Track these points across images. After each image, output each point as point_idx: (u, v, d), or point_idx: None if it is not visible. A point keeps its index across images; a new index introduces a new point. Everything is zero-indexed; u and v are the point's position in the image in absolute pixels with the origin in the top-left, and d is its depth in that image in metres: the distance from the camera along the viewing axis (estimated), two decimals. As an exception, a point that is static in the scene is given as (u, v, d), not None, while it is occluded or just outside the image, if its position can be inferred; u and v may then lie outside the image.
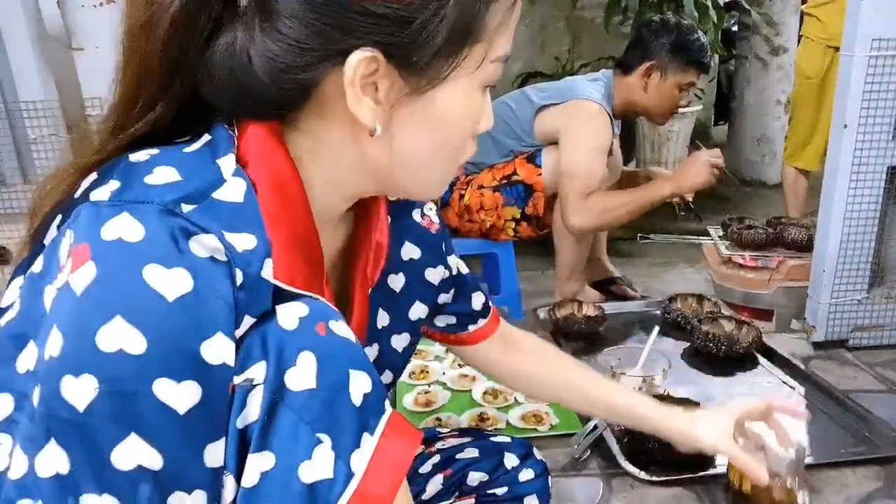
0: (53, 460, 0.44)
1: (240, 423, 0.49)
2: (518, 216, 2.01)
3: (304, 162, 0.58)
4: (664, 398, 1.32)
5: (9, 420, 0.48)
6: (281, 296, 0.50)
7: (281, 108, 0.55)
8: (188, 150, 0.53)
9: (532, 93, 2.05)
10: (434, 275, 0.80)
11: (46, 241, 0.52)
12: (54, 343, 0.44)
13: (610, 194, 1.97)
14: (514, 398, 1.43)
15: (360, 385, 0.52)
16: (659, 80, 1.99)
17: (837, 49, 1.60)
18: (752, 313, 1.96)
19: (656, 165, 3.79)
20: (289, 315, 0.51)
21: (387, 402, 0.55)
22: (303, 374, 0.50)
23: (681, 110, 3.66)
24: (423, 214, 0.80)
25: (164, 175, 0.49)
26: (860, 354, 1.69)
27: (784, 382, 1.51)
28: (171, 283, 0.44)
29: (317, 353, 0.50)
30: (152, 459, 0.45)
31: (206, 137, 0.54)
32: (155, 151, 0.52)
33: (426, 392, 1.47)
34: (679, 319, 1.77)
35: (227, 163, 0.52)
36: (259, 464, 0.48)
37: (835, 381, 1.53)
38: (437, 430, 1.01)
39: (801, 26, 2.88)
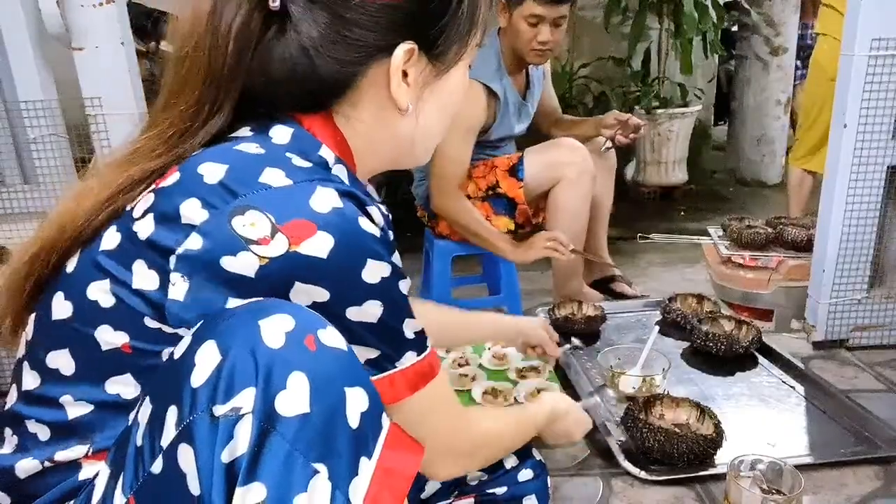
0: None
1: (226, 457, 0.47)
2: (512, 227, 2.03)
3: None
4: (664, 398, 1.32)
5: None
6: None
7: (328, 98, 0.66)
8: (279, 142, 0.63)
9: None
10: None
11: (139, 230, 0.57)
12: (320, 294, 0.56)
13: (474, 217, 1.97)
14: (514, 398, 1.43)
15: (356, 404, 0.51)
16: (509, 19, 1.94)
17: None
18: (752, 313, 1.96)
19: (656, 165, 3.79)
20: (274, 330, 0.50)
21: (384, 417, 0.54)
22: (294, 398, 0.48)
23: (681, 110, 3.68)
24: None
25: (298, 162, 0.61)
26: (860, 354, 1.69)
27: (784, 382, 1.51)
28: (373, 225, 0.59)
29: (308, 374, 0.49)
30: None
31: (283, 129, 0.64)
32: (260, 149, 0.61)
33: (426, 392, 1.47)
34: (679, 319, 1.77)
35: (326, 152, 0.65)
36: (248, 497, 0.47)
37: (834, 380, 1.53)
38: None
39: (799, 23, 2.83)
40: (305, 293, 0.56)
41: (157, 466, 0.50)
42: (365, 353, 0.61)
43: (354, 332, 0.59)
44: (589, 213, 2.06)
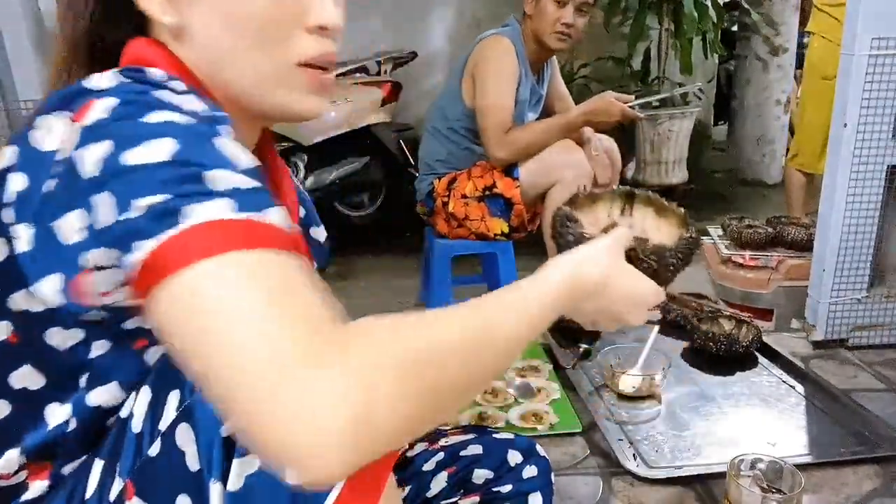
0: None
1: (224, 431, 0.49)
2: (507, 230, 2.03)
3: None
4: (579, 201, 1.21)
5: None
6: None
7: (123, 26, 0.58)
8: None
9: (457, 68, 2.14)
10: (319, 234, 0.80)
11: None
12: (97, 151, 0.45)
13: (527, 128, 2.00)
14: (514, 398, 1.43)
15: None
16: (535, 2, 2.00)
17: None
18: (753, 313, 1.96)
19: (656, 165, 3.79)
20: None
21: None
22: None
23: (681, 110, 3.68)
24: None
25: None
26: (860, 353, 1.69)
27: (784, 381, 1.51)
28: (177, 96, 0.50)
29: None
30: None
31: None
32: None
33: (426, 391, 1.47)
34: (679, 319, 1.77)
35: (155, 72, 0.53)
36: (244, 468, 0.49)
37: (834, 380, 1.53)
38: (440, 428, 1.00)
39: (800, 23, 2.82)
40: (95, 152, 0.46)
41: (154, 449, 0.52)
42: (147, 202, 0.43)
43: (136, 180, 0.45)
44: None
